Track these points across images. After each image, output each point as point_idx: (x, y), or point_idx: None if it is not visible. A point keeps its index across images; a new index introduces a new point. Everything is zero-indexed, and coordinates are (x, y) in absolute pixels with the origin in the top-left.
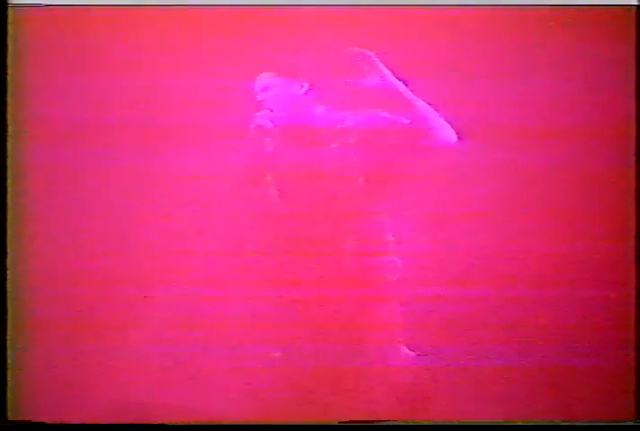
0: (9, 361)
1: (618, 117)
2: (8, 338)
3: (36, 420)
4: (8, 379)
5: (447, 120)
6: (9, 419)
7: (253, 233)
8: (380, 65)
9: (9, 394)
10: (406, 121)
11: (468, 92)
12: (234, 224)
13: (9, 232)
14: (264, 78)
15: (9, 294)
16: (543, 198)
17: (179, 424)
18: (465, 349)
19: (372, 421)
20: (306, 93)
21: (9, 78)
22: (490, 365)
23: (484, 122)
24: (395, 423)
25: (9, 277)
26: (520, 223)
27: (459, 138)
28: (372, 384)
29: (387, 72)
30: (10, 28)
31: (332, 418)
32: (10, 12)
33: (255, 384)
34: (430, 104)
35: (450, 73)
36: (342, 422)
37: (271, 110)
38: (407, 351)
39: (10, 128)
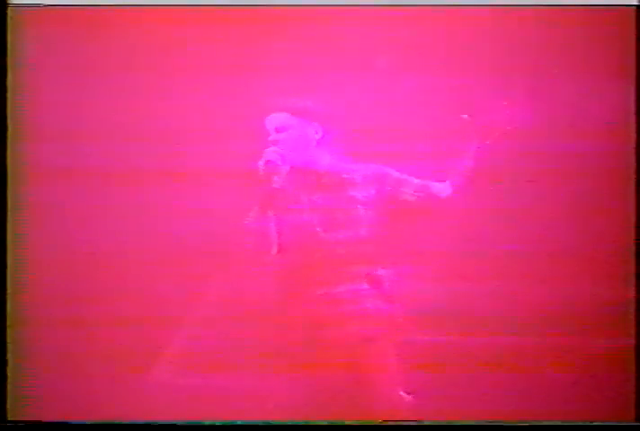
0: (9, 361)
1: (618, 117)
2: (8, 338)
3: (36, 420)
4: (8, 379)
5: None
6: (9, 419)
7: (249, 269)
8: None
9: (9, 394)
10: (416, 181)
11: (465, 92)
12: (229, 258)
13: (9, 230)
14: (277, 118)
15: (9, 294)
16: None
17: (179, 424)
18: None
19: (372, 421)
20: (320, 139)
21: (9, 78)
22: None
23: (480, 122)
24: (395, 423)
25: (9, 276)
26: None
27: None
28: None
29: None
30: (10, 28)
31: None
32: (10, 12)
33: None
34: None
35: (449, 73)
36: (343, 422)
37: (282, 154)
38: (404, 394)
39: (10, 128)
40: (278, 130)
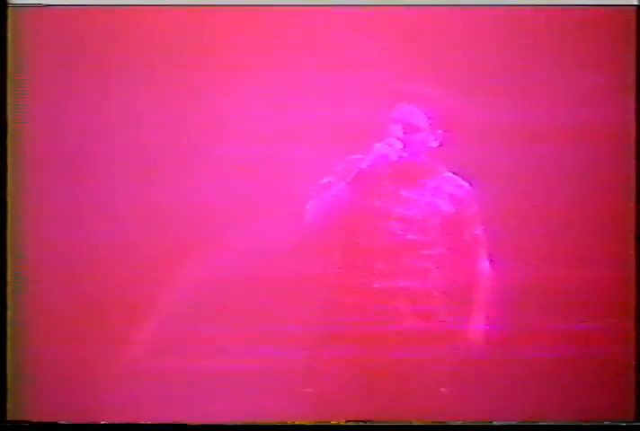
0: (9, 361)
1: (618, 117)
2: (8, 338)
3: (36, 420)
4: (8, 379)
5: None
6: (9, 419)
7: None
8: None
9: (9, 394)
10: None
11: (464, 92)
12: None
13: (9, 229)
14: (410, 114)
15: (9, 294)
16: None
17: (179, 424)
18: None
19: (372, 421)
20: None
21: (9, 78)
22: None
23: (479, 122)
24: (395, 423)
25: (9, 275)
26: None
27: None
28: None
29: None
30: (10, 28)
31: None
32: (10, 12)
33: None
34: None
35: (450, 72)
36: (343, 422)
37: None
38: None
39: (10, 128)
40: (406, 129)
